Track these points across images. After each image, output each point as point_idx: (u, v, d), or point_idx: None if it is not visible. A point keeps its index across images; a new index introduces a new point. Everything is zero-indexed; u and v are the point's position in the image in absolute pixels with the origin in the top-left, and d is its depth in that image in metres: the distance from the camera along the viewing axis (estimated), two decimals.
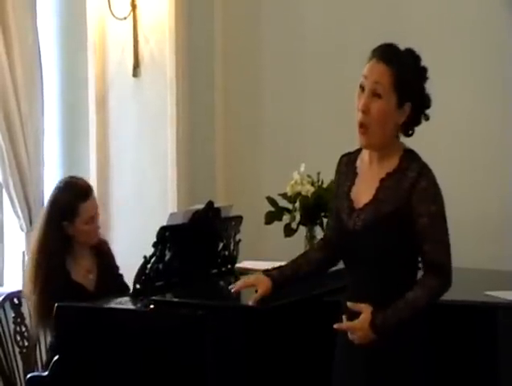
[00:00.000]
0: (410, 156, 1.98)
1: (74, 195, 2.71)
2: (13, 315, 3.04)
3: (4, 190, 3.64)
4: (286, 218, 3.06)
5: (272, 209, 3.12)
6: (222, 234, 2.87)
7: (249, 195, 3.56)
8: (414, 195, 1.92)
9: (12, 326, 3.03)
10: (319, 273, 2.15)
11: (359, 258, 1.97)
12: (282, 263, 2.90)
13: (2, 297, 3.07)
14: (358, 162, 2.04)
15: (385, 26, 3.33)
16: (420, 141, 3.23)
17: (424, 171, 1.95)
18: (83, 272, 2.77)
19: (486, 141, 3.24)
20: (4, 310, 3.01)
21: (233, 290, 2.16)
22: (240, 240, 2.95)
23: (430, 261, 1.93)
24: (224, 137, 3.74)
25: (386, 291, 1.93)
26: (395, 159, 1.97)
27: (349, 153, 2.09)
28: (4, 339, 2.98)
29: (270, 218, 3.12)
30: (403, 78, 1.95)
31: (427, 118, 2.01)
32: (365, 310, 1.89)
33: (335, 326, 1.92)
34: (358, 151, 2.06)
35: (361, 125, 1.95)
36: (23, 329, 3.06)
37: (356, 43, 3.24)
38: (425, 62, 3.34)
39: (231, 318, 2.20)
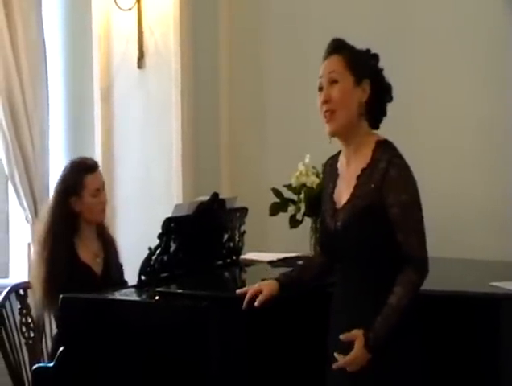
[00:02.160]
0: (382, 147, 1.98)
1: (79, 169, 2.79)
2: (19, 306, 3.05)
3: (9, 182, 3.65)
4: (291, 209, 3.07)
5: (277, 200, 3.12)
6: (227, 225, 2.87)
7: (254, 187, 3.56)
8: (384, 186, 1.91)
9: (18, 317, 3.05)
10: (323, 276, 2.16)
11: (342, 256, 1.99)
12: (287, 254, 2.93)
13: (8, 288, 3.08)
14: (339, 164, 2.06)
15: (389, 21, 3.35)
16: (428, 137, 3.28)
17: (394, 160, 1.93)
18: (91, 255, 2.81)
19: (491, 136, 3.22)
20: (10, 301, 3.02)
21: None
22: (245, 232, 2.95)
23: (404, 252, 1.91)
24: (229, 128, 3.73)
25: (372, 287, 1.93)
26: (369, 153, 1.97)
27: (333, 156, 2.11)
28: (10, 330, 2.99)
29: (275, 209, 3.12)
30: (355, 57, 1.99)
31: (390, 99, 2.02)
32: (358, 337, 1.87)
33: (334, 366, 1.90)
34: (340, 153, 2.08)
35: (326, 113, 1.97)
36: (29, 320, 3.07)
37: (360, 35, 3.23)
38: (427, 58, 3.34)
39: (235, 309, 2.19)
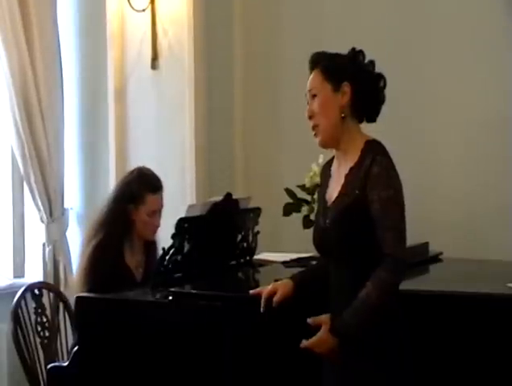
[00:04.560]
0: (369, 146, 2.02)
1: (145, 184, 2.79)
2: (34, 306, 3.08)
3: (25, 183, 3.67)
4: (304, 210, 3.07)
5: (290, 201, 3.12)
6: (240, 226, 2.87)
7: (268, 187, 3.56)
8: (367, 182, 1.95)
9: (33, 317, 3.07)
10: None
11: (334, 254, 2.02)
12: (301, 255, 2.92)
13: (24, 288, 3.10)
14: (332, 166, 2.12)
15: (400, 21, 3.34)
16: (442, 138, 3.27)
17: (377, 158, 1.97)
18: (135, 263, 2.81)
19: (506, 135, 3.21)
20: (25, 300, 3.05)
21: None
22: (258, 232, 2.95)
23: (380, 248, 1.93)
24: (242, 128, 3.73)
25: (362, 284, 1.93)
26: (357, 153, 2.01)
27: (328, 161, 2.16)
28: (25, 330, 3.01)
29: (289, 209, 3.12)
30: (330, 65, 2.05)
31: (383, 88, 2.05)
32: (324, 321, 1.93)
33: (300, 345, 1.95)
34: (335, 157, 2.13)
35: (313, 128, 2.05)
36: (44, 319, 3.09)
37: (371, 39, 3.24)
38: (439, 57, 3.32)
39: (249, 310, 2.20)
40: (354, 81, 2.03)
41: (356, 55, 2.08)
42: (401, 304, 1.98)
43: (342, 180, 2.02)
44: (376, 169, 1.95)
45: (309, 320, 1.96)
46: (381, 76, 2.07)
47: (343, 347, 1.91)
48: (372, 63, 2.08)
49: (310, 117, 2.06)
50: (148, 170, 2.89)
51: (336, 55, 2.08)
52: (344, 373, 1.98)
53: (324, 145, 2.07)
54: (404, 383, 1.97)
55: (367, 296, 1.90)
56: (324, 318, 1.94)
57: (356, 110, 2.04)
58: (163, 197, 2.85)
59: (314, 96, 2.05)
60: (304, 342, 1.94)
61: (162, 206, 2.83)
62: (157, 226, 2.82)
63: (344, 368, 1.97)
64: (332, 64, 2.05)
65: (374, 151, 1.99)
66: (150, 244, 2.85)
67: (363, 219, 1.94)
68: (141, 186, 2.78)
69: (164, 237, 2.64)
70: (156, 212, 2.80)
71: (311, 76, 2.08)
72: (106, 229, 2.74)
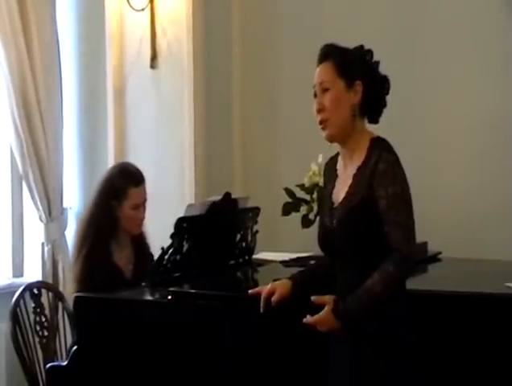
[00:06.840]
0: (375, 144, 2.01)
1: (127, 178, 2.78)
2: (33, 305, 3.08)
3: (24, 182, 3.67)
4: (303, 209, 3.07)
5: (289, 200, 3.12)
6: (239, 225, 2.87)
7: (267, 186, 3.56)
8: (374, 180, 1.95)
9: (32, 316, 3.07)
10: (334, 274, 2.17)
11: (340, 254, 2.01)
12: (300, 254, 2.93)
13: (22, 287, 3.10)
14: (338, 165, 2.10)
15: (399, 21, 3.35)
16: (441, 137, 3.27)
17: (383, 154, 1.96)
18: (124, 259, 2.80)
19: (506, 135, 3.21)
20: (24, 300, 3.05)
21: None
22: (257, 231, 2.95)
23: (389, 245, 1.93)
24: (241, 128, 3.73)
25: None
26: (364, 152, 2.01)
27: (332, 158, 2.14)
28: (24, 329, 3.01)
29: (288, 209, 3.12)
30: (344, 61, 2.02)
31: (387, 91, 2.05)
32: (328, 301, 1.94)
33: (303, 320, 1.96)
34: (339, 154, 2.11)
35: (321, 122, 2.02)
36: (43, 319, 3.09)
37: (371, 38, 3.23)
38: (439, 57, 3.32)
39: (248, 309, 2.20)
40: (365, 80, 2.02)
41: (365, 53, 2.06)
42: (407, 303, 1.98)
43: (350, 180, 2.01)
44: (382, 166, 1.94)
45: (313, 298, 1.97)
46: (386, 78, 2.06)
47: (346, 330, 1.93)
48: (377, 63, 2.07)
49: (319, 111, 2.02)
50: (128, 164, 2.89)
51: (348, 50, 2.06)
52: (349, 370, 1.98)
53: (332, 139, 2.04)
54: (404, 383, 1.97)
55: (372, 286, 1.90)
56: (328, 299, 1.95)
57: (364, 109, 2.03)
58: (146, 190, 2.83)
59: (325, 90, 2.01)
60: (308, 318, 1.95)
61: (145, 199, 2.83)
62: (142, 219, 2.81)
63: (349, 365, 1.98)
64: (345, 60, 2.02)
65: (380, 148, 1.98)
66: (138, 238, 2.84)
67: (370, 219, 1.94)
68: (123, 181, 2.77)
69: (163, 237, 2.64)
70: (140, 205, 2.79)
71: (321, 69, 2.04)
72: (95, 233, 2.73)
